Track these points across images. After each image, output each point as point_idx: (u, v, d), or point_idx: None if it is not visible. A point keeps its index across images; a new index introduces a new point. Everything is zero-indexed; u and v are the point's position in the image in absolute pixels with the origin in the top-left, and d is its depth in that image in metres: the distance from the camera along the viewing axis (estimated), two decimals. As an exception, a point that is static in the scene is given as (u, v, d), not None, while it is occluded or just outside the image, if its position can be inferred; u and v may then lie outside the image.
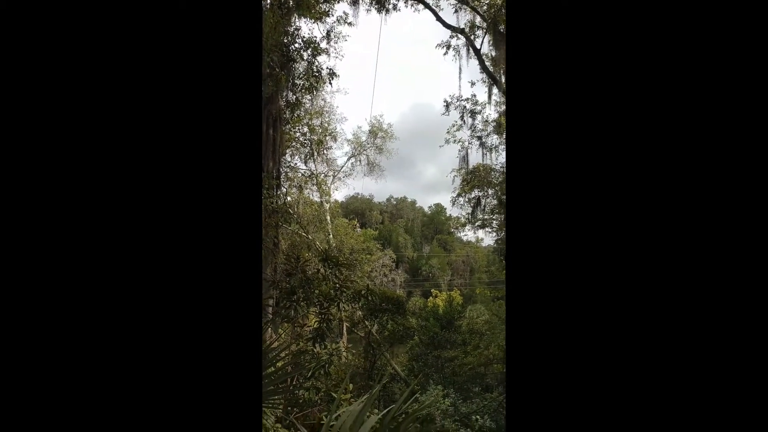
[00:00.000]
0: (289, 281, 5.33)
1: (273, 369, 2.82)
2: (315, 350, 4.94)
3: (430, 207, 43.07)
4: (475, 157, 12.68)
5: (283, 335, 5.06)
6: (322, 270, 5.43)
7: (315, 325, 5.71)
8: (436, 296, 26.87)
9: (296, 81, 8.38)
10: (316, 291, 5.40)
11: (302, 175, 13.73)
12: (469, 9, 10.54)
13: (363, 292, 6.16)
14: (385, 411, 2.71)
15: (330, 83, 8.42)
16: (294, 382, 4.33)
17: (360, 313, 7.87)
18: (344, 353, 5.27)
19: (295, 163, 13.54)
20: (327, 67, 8.22)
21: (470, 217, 13.54)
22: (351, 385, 5.26)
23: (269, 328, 4.98)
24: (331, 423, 2.29)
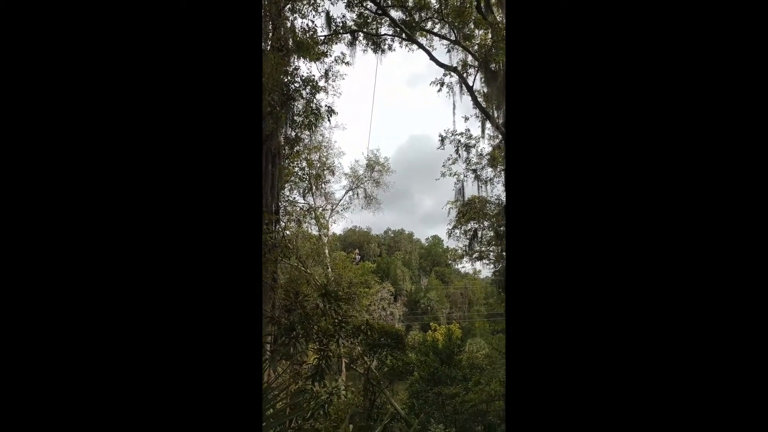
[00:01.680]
0: (289, 317, 5.24)
1: (272, 411, 2.74)
2: (314, 389, 4.79)
3: (427, 239, 43.02)
4: (471, 190, 12.83)
5: (281, 374, 4.93)
6: (321, 305, 5.35)
7: (314, 363, 5.58)
8: (435, 330, 26.37)
9: (295, 118, 8.59)
10: (315, 327, 5.31)
11: (300, 209, 13.80)
12: (461, 48, 10.98)
13: (362, 327, 6.06)
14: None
15: (329, 120, 8.64)
16: (293, 424, 4.18)
17: (359, 348, 7.71)
18: (344, 392, 5.11)
19: (294, 198, 13.64)
20: (325, 105, 8.47)
21: (467, 249, 13.54)
22: (351, 426, 5.08)
23: (268, 367, 4.86)
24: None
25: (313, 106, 8.47)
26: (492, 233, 12.85)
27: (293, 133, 9.18)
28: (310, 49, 8.71)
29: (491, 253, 13.27)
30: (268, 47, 8.10)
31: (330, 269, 15.14)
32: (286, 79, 8.13)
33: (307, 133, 10.06)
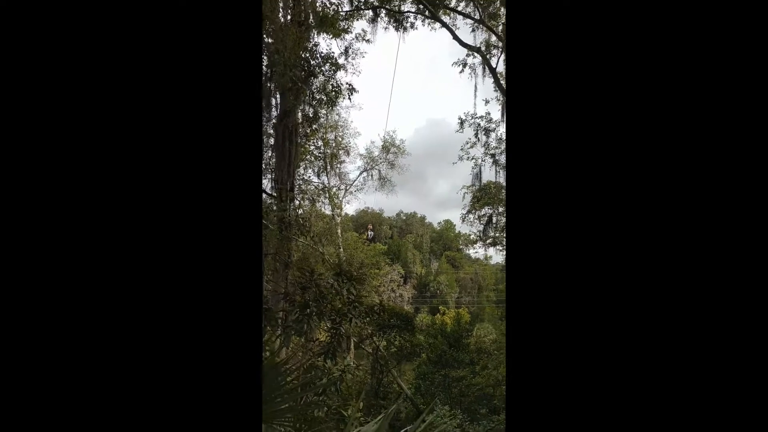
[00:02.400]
0: (303, 295, 5.29)
1: (284, 384, 2.77)
2: (326, 366, 4.87)
3: (439, 223, 42.97)
4: (488, 175, 12.67)
5: (294, 350, 5.01)
6: (335, 284, 5.39)
7: (326, 340, 5.65)
8: (444, 313, 26.56)
9: (315, 95, 8.50)
10: (329, 306, 5.36)
11: (315, 188, 13.82)
12: (485, 28, 10.66)
13: (375, 308, 6.10)
14: (403, 431, 2.64)
15: (349, 98, 8.52)
16: (304, 399, 4.26)
17: (369, 328, 7.80)
18: (355, 370, 5.20)
19: (308, 176, 13.65)
20: (347, 83, 8.34)
21: (481, 234, 13.46)
22: (361, 404, 5.17)
23: (282, 343, 4.93)
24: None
25: (334, 83, 8.37)
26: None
27: (311, 111, 9.10)
28: (332, 23, 8.54)
29: (505, 239, 13.18)
30: (289, 21, 7.96)
31: (342, 249, 15.24)
32: (306, 55, 8.02)
33: (324, 111, 9.99)
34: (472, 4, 10.63)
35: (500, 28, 10.58)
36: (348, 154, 15.36)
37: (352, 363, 5.41)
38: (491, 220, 13.00)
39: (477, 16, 10.68)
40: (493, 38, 10.78)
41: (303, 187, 12.56)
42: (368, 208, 31.09)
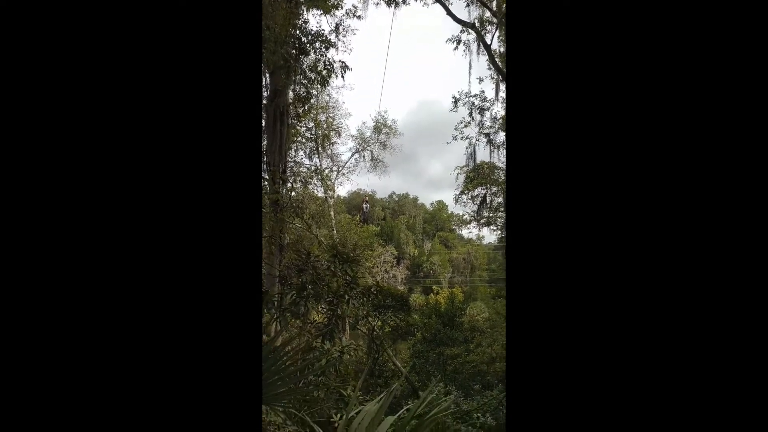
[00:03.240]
0: (300, 277, 5.28)
1: (284, 367, 2.76)
2: (324, 347, 4.90)
3: (432, 204, 43.07)
4: (483, 155, 12.63)
5: (292, 332, 5.02)
6: (332, 267, 5.39)
7: (324, 322, 5.67)
8: (437, 293, 26.90)
9: (308, 74, 8.30)
10: (326, 287, 5.36)
11: (307, 170, 13.70)
12: (479, 3, 10.44)
13: (372, 289, 6.12)
14: (403, 410, 2.67)
15: (342, 77, 8.34)
16: (303, 381, 4.29)
17: (364, 309, 7.86)
18: (354, 350, 5.25)
19: (300, 158, 13.50)
20: (339, 60, 8.14)
21: (476, 214, 13.51)
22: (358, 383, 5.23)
23: (278, 325, 4.94)
24: (347, 423, 2.24)
25: (326, 62, 8.16)
26: (500, 199, 12.76)
27: (303, 91, 8.91)
28: (323, -2, 8.29)
29: (499, 219, 13.25)
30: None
31: (335, 231, 15.23)
32: (296, 33, 7.79)
33: (315, 91, 9.78)
34: (465, -22, 10.37)
35: (494, 3, 10.36)
36: (339, 135, 15.20)
37: (352, 344, 5.45)
38: (485, 199, 13.03)
39: (471, -9, 10.44)
40: (487, 14, 10.57)
41: (295, 169, 12.44)
42: (360, 189, 31.02)
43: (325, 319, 5.68)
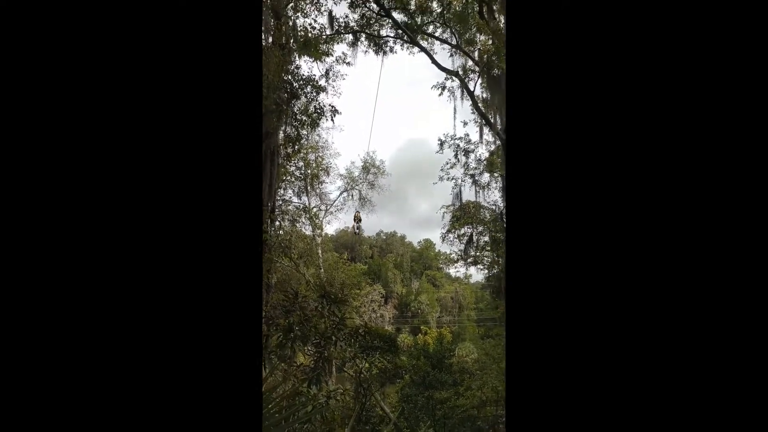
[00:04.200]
0: (287, 318, 5.17)
1: (269, 415, 2.67)
2: (311, 392, 4.73)
3: (419, 242, 43.06)
4: (468, 195, 12.86)
5: (278, 376, 4.85)
6: (320, 307, 5.29)
7: (310, 365, 5.50)
8: (425, 333, 26.35)
9: (298, 116, 8.52)
10: (313, 329, 5.25)
11: (297, 208, 13.72)
12: (462, 53, 11.01)
13: (360, 330, 6.00)
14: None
15: (332, 119, 8.58)
16: (289, 429, 4.11)
17: (350, 350, 7.66)
18: (341, 395, 5.06)
19: (289, 197, 13.55)
20: (329, 104, 8.41)
21: (462, 253, 13.56)
22: (346, 430, 5.02)
23: (268, 372, 4.78)
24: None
25: (316, 105, 8.41)
26: (487, 238, 12.88)
27: (294, 132, 9.11)
28: (314, 47, 8.66)
29: (486, 258, 13.31)
30: (270, 44, 8.02)
31: (322, 270, 15.06)
32: (287, 77, 8.06)
33: (305, 132, 9.99)
34: (449, 30, 10.98)
35: (476, 54, 10.94)
36: (328, 174, 15.36)
37: (339, 388, 5.26)
38: (472, 239, 13.14)
39: (454, 42, 11.03)
40: (470, 63, 11.13)
41: (283, 207, 12.44)
42: (348, 227, 30.96)
43: (312, 362, 5.51)
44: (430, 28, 11.14)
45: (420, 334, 26.80)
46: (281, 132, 8.85)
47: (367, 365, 7.97)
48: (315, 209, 15.46)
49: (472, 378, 12.82)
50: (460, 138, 12.09)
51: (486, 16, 9.94)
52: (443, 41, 11.17)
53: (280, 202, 12.09)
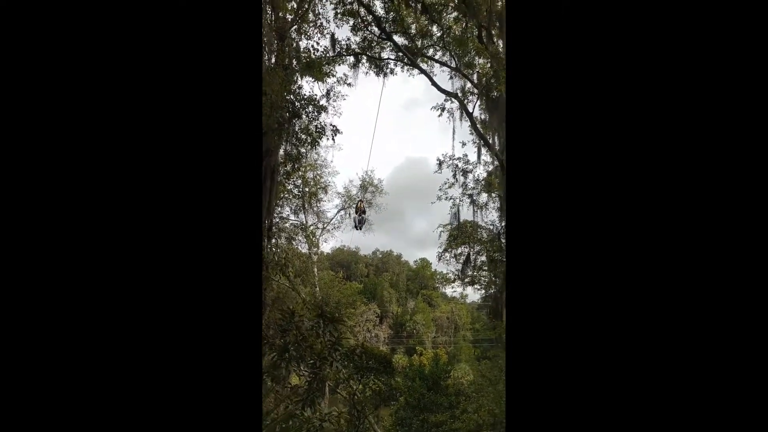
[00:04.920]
0: (283, 337, 5.09)
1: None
2: (305, 415, 4.62)
3: (415, 261, 42.89)
4: (466, 214, 12.90)
5: (270, 400, 4.75)
6: (316, 326, 5.22)
7: (304, 386, 5.40)
8: (421, 354, 26.01)
9: (300, 135, 8.61)
10: (309, 349, 5.16)
11: (294, 226, 13.69)
12: (461, 76, 11.22)
13: (357, 350, 5.92)
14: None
15: (333, 139, 8.67)
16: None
17: (344, 371, 7.52)
18: (336, 418, 4.95)
19: (286, 214, 13.54)
20: (331, 124, 8.52)
21: (459, 273, 13.51)
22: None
23: (265, 394, 4.67)
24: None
25: (317, 124, 8.53)
26: (484, 258, 12.87)
27: (295, 151, 9.19)
28: (318, 67, 8.81)
29: (483, 278, 13.26)
30: (273, 62, 8.15)
31: (318, 288, 14.94)
32: (289, 97, 8.18)
33: (304, 150, 10.07)
34: (449, 53, 11.22)
35: (475, 76, 11.15)
36: (326, 192, 15.39)
37: (334, 411, 5.15)
38: (469, 258, 13.12)
39: (453, 65, 11.25)
40: (469, 85, 11.34)
41: (281, 224, 12.42)
42: (344, 245, 30.82)
43: (306, 383, 5.40)
44: (430, 51, 11.38)
45: (415, 355, 26.45)
46: (281, 150, 8.92)
47: (360, 387, 7.81)
48: (312, 227, 15.43)
49: (468, 401, 12.60)
50: (458, 158, 12.22)
51: (485, 40, 10.18)
52: (443, 64, 11.40)
53: (277, 220, 12.08)
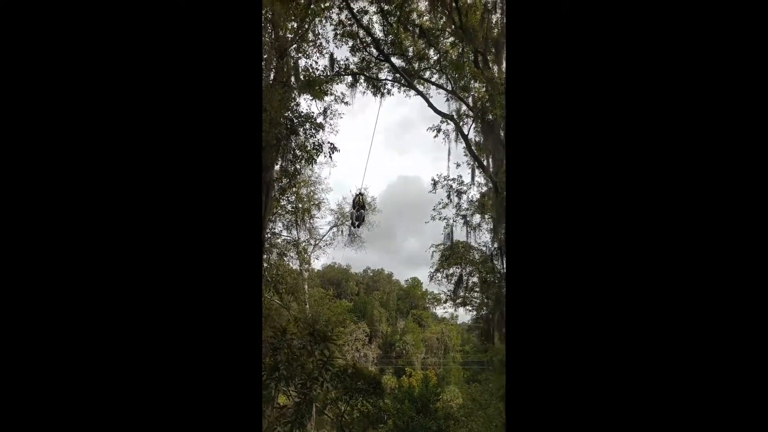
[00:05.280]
0: (274, 356, 4.99)
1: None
2: (293, 437, 4.49)
3: (406, 280, 42.65)
4: (459, 235, 12.93)
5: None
6: (308, 345, 5.13)
7: (292, 407, 5.26)
8: (410, 375, 25.60)
9: (296, 152, 8.66)
10: (299, 368, 5.06)
11: (287, 242, 13.60)
12: (457, 98, 11.43)
13: (349, 370, 5.81)
14: None
15: (330, 157, 8.73)
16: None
17: (332, 392, 7.37)
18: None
19: (279, 230, 13.46)
20: (328, 142, 8.59)
21: (452, 294, 13.46)
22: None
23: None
24: None
25: (314, 142, 8.59)
26: (476, 279, 12.85)
27: (292, 167, 9.22)
28: (316, 86, 8.93)
29: (475, 300, 13.21)
30: (272, 80, 8.25)
31: (308, 306, 14.75)
32: (287, 114, 8.25)
33: (299, 166, 10.09)
34: (445, 76, 11.45)
35: (470, 99, 11.37)
36: (319, 209, 15.38)
37: (322, 433, 5.01)
38: (461, 279, 13.09)
39: (450, 87, 11.47)
40: (464, 108, 11.54)
41: (272, 240, 12.32)
42: (335, 263, 30.63)
43: (293, 404, 5.27)
44: (427, 74, 11.61)
45: (404, 376, 26.05)
46: (277, 165, 8.95)
47: (348, 408, 7.65)
48: (304, 243, 15.34)
49: (458, 425, 12.38)
50: (453, 179, 12.31)
51: (481, 65, 10.42)
52: (439, 86, 11.62)
53: (269, 235, 11.99)
